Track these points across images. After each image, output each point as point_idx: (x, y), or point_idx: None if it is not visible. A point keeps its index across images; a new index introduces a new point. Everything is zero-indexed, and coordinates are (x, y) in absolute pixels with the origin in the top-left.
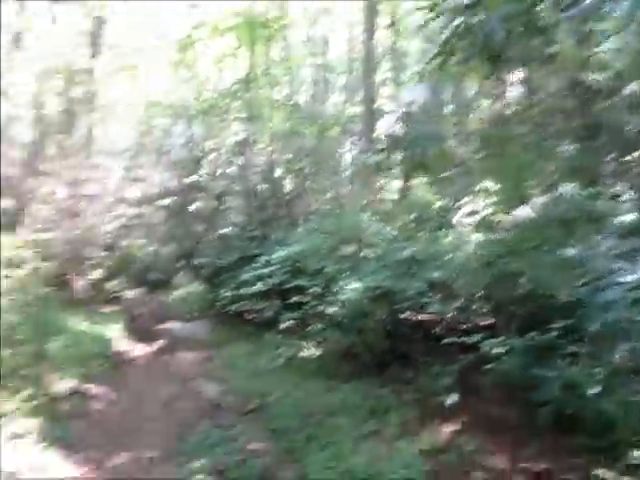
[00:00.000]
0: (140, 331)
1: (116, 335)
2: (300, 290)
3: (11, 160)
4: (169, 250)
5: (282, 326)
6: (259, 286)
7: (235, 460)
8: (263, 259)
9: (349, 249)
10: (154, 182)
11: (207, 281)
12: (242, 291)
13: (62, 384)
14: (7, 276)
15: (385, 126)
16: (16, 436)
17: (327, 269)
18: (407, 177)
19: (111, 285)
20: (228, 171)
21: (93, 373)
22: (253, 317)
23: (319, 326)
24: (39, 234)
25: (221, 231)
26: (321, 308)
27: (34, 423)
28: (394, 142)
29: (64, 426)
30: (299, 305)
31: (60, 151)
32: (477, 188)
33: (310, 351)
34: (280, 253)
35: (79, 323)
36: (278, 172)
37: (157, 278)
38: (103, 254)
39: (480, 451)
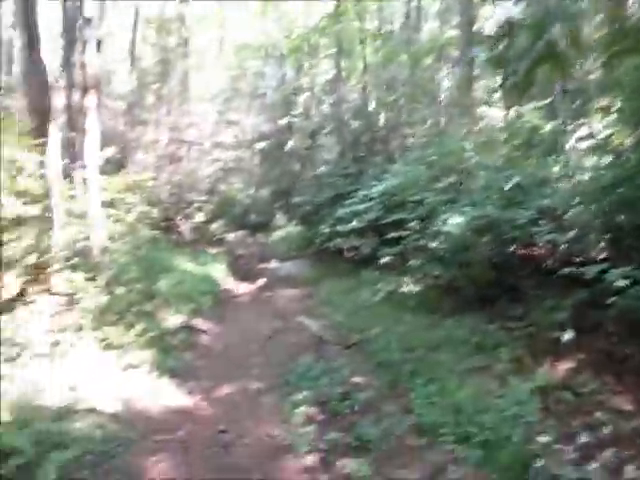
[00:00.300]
0: (242, 270)
1: (220, 274)
2: (399, 225)
3: (113, 111)
4: (266, 192)
5: (381, 262)
6: (356, 223)
7: (338, 392)
8: (360, 194)
9: (450, 180)
10: (248, 125)
11: (304, 220)
12: (339, 228)
13: (173, 319)
14: (117, 220)
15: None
16: (131, 366)
17: (427, 201)
18: (514, 95)
19: (213, 228)
20: (321, 109)
21: (201, 309)
22: (351, 254)
23: (419, 261)
24: (143, 180)
25: (316, 170)
26: (421, 242)
27: (147, 355)
28: (509, 28)
29: (175, 357)
30: (397, 240)
31: (158, 99)
32: (594, 107)
33: (410, 286)
34: (377, 188)
35: (186, 263)
36: (372, 106)
37: (256, 220)
38: (204, 198)
39: (601, 390)
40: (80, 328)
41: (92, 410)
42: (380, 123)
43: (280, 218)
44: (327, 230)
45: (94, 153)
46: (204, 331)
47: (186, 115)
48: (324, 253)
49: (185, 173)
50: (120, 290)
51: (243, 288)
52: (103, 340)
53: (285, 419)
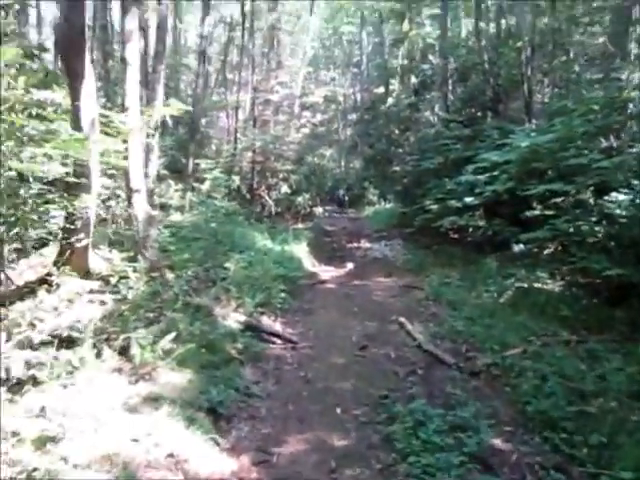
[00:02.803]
0: (329, 250)
1: (303, 255)
2: (542, 199)
3: (196, 71)
4: (359, 163)
5: (515, 249)
6: (472, 198)
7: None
8: (478, 162)
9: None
10: (340, 94)
11: (403, 195)
12: (448, 204)
13: (235, 316)
14: (193, 188)
15: None
16: (149, 400)
17: (591, 166)
18: None
19: (299, 201)
20: (424, 67)
21: (275, 301)
22: (463, 236)
23: (575, 251)
24: (226, 146)
25: (419, 134)
26: (568, 225)
27: (180, 379)
28: None
29: (226, 382)
30: (530, 222)
31: (243, 57)
32: None
33: (550, 284)
34: (504, 153)
35: (264, 240)
36: (487, 56)
37: (347, 194)
38: (291, 167)
39: None
40: (100, 331)
41: None
42: (498, 80)
43: (374, 191)
44: (433, 206)
45: (135, 108)
46: (275, 335)
47: (273, 77)
48: (425, 233)
49: (271, 138)
50: (169, 275)
51: (329, 273)
52: (119, 352)
53: None
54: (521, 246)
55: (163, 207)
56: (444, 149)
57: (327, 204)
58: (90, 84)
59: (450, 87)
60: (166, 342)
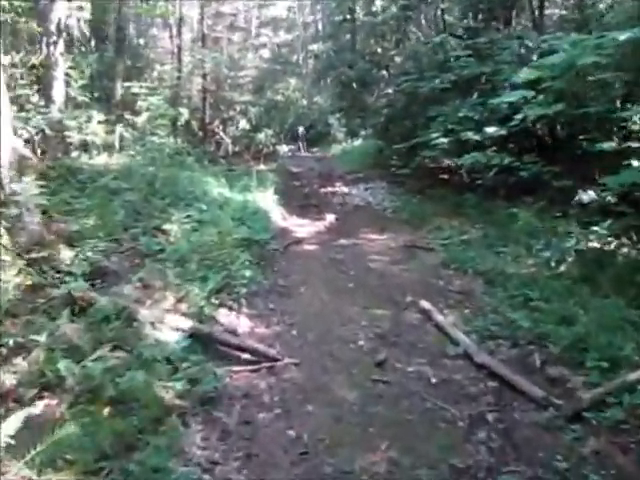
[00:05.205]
0: (301, 197)
1: (270, 205)
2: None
3: None
4: (325, 98)
5: (583, 198)
6: (493, 129)
7: None
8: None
9: None
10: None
11: (384, 129)
12: (462, 136)
13: (170, 321)
14: (123, 121)
15: None
16: None
17: None
18: None
19: (260, 138)
20: None
21: (235, 280)
22: (473, 179)
23: None
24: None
25: (412, 47)
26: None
27: None
28: None
29: None
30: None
31: None
32: None
33: (618, 246)
34: (546, 68)
35: (219, 188)
36: None
37: (314, 129)
38: (249, 98)
39: None
40: None
41: None
42: None
43: (339, 129)
44: (441, 139)
45: None
46: (240, 348)
47: None
48: (414, 174)
49: (224, 60)
50: (65, 254)
51: (305, 228)
52: None
53: None
54: (591, 194)
55: (84, 146)
56: (453, 65)
57: (292, 141)
58: None
59: None
60: (15, 424)
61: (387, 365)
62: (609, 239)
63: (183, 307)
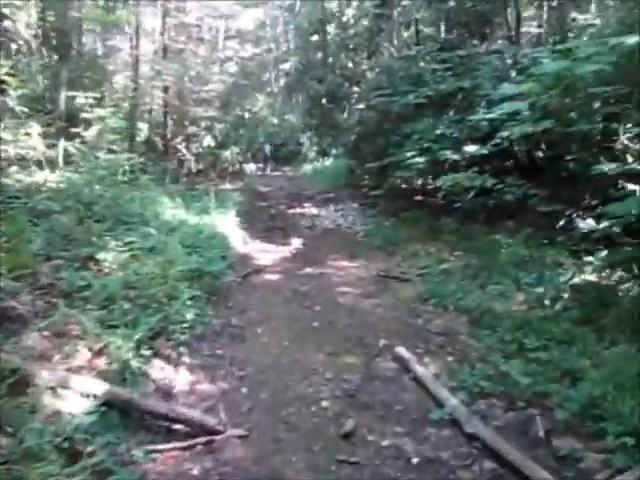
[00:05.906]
0: (266, 220)
1: (231, 228)
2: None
3: None
4: (296, 116)
5: (581, 227)
6: (474, 147)
7: None
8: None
9: None
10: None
11: (354, 148)
12: (439, 156)
13: (86, 386)
14: (68, 134)
15: None
16: None
17: None
18: None
19: (226, 156)
20: None
21: (181, 323)
22: (450, 201)
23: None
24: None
25: (385, 61)
26: None
27: None
28: None
29: None
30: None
31: None
32: None
33: (614, 280)
34: (532, 81)
35: (174, 209)
36: None
37: (285, 147)
38: (215, 114)
39: None
40: None
41: None
42: None
43: (310, 148)
44: (417, 159)
45: None
46: (170, 419)
47: None
48: (392, 195)
49: (185, 70)
50: None
51: (268, 255)
52: None
53: None
54: (590, 223)
55: (22, 161)
56: (429, 80)
57: (260, 161)
58: None
59: (419, 7)
60: None
61: (356, 437)
62: (607, 272)
63: (101, 362)
